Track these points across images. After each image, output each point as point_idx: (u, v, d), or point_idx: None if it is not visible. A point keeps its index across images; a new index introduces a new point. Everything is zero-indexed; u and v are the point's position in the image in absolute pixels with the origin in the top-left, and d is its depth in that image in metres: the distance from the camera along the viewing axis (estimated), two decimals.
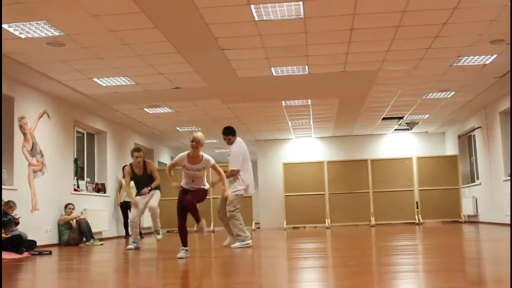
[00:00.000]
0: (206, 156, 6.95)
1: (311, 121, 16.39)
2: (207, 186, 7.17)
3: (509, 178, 13.07)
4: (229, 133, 8.78)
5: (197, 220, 7.08)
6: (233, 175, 8.56)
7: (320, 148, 19.43)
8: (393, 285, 4.13)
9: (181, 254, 6.93)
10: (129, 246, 9.22)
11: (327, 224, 16.47)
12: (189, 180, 7.01)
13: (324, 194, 16.84)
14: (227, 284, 4.58)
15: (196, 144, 6.82)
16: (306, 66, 10.23)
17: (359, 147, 19.07)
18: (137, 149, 9.34)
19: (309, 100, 13.45)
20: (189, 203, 6.89)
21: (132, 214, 9.31)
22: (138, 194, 9.26)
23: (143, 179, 9.16)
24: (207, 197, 9.01)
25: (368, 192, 16.68)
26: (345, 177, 16.87)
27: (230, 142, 8.76)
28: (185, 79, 10.88)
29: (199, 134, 6.88)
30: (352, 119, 16.20)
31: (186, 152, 6.94)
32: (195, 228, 7.21)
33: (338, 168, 17.08)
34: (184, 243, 7.04)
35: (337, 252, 7.58)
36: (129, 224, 9.54)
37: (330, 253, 7.47)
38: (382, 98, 13.32)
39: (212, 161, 6.96)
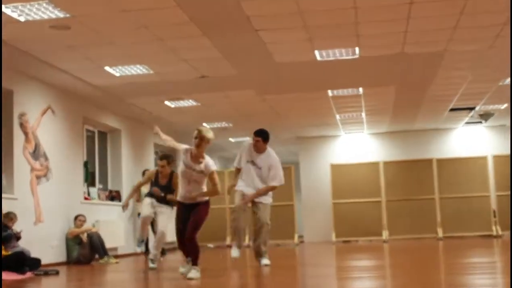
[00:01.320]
0: (209, 159, 6.94)
1: (363, 114, 16.26)
2: (206, 198, 7.08)
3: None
4: (268, 138, 8.75)
5: (195, 260, 6.96)
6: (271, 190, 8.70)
7: (375, 146, 19.26)
8: None
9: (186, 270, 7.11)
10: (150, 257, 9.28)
11: (384, 237, 16.34)
12: (185, 182, 6.94)
13: (380, 201, 16.71)
14: None
15: (200, 141, 6.76)
16: (356, 48, 10.12)
17: (421, 145, 18.85)
18: (162, 156, 9.39)
19: (360, 89, 13.36)
20: (189, 237, 6.90)
21: (144, 211, 9.26)
22: (150, 195, 9.23)
23: (163, 190, 9.18)
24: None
25: (434, 198, 16.49)
26: (405, 180, 16.70)
27: (263, 150, 8.71)
28: (212, 67, 10.89)
29: (205, 129, 6.88)
30: (413, 111, 16.01)
31: (191, 147, 6.93)
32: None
33: (396, 169, 16.92)
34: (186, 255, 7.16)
35: (397, 271, 7.51)
36: (140, 224, 9.47)
37: (388, 272, 7.40)
38: (449, 85, 13.14)
39: (213, 167, 6.90)
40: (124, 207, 9.38)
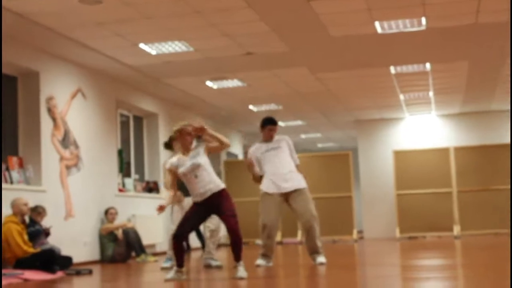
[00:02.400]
0: (194, 143, 7.28)
1: (431, 94, 16.13)
2: (223, 184, 7.26)
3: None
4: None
5: (240, 255, 7.11)
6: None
7: (444, 130, 19.08)
8: None
9: (171, 275, 7.22)
10: (164, 265, 9.29)
11: (455, 233, 16.19)
12: (193, 180, 7.07)
13: (450, 191, 16.55)
14: None
15: (180, 136, 7.24)
16: (423, 19, 10.03)
17: (498, 128, 18.58)
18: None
19: (427, 65, 13.23)
20: (235, 229, 7.03)
21: (175, 222, 9.08)
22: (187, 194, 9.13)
23: None
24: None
25: None
26: (479, 168, 16.51)
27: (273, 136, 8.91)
28: (260, 42, 10.89)
29: (177, 126, 7.30)
30: (489, 90, 15.80)
31: (175, 156, 7.37)
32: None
33: (469, 156, 16.73)
34: (178, 261, 7.22)
35: (470, 271, 7.43)
36: (170, 237, 9.28)
37: (460, 273, 7.34)
38: None
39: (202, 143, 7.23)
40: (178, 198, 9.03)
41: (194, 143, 7.27)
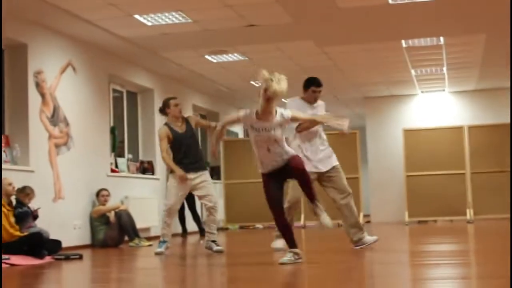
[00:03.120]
0: (281, 109, 6.86)
1: (445, 69, 16.10)
2: (291, 152, 6.98)
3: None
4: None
5: (312, 198, 6.95)
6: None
7: (458, 108, 19.06)
8: None
9: (287, 258, 6.79)
10: (158, 249, 9.02)
11: (468, 217, 16.21)
12: (264, 151, 6.78)
13: (464, 173, 16.55)
14: None
15: (270, 95, 6.61)
16: None
17: None
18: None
19: (441, 38, 13.19)
20: (300, 166, 6.81)
21: (170, 198, 9.06)
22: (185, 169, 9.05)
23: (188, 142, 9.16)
24: None
25: None
26: (494, 148, 16.48)
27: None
28: (263, 13, 10.85)
29: (275, 79, 6.68)
30: (507, 65, 15.74)
31: (252, 110, 6.81)
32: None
33: (484, 135, 16.71)
34: (292, 243, 6.88)
35: (484, 257, 7.45)
36: (164, 213, 9.17)
37: (473, 259, 7.36)
38: None
39: (290, 113, 6.88)
40: (181, 177, 8.90)
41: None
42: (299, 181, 6.97)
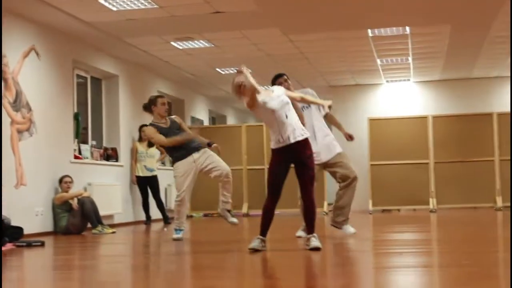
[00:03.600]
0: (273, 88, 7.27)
1: (410, 59, 16.18)
2: (306, 134, 7.08)
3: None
4: None
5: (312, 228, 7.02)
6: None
7: (423, 98, 19.19)
8: None
9: (255, 243, 6.86)
10: (175, 235, 9.09)
11: (431, 206, 16.33)
12: (282, 120, 6.90)
13: (427, 163, 16.68)
14: (290, 286, 4.62)
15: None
16: None
17: (480, 96, 18.74)
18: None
19: (407, 28, 13.25)
20: (311, 194, 7.01)
21: (181, 187, 9.20)
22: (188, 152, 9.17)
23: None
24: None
25: (493, 160, 16.41)
26: (459, 138, 16.63)
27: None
28: (229, 0, 10.82)
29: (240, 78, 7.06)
30: (471, 56, 15.89)
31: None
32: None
33: (448, 125, 16.83)
34: (264, 231, 6.96)
35: (446, 246, 7.53)
36: (176, 203, 9.33)
37: (436, 247, 7.43)
38: None
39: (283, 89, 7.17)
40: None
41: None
42: (301, 172, 6.97)
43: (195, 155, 9.05)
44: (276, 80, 8.77)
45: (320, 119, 8.90)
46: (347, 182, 8.71)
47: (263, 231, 6.93)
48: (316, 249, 6.69)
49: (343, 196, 8.75)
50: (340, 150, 8.84)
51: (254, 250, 6.74)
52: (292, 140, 6.84)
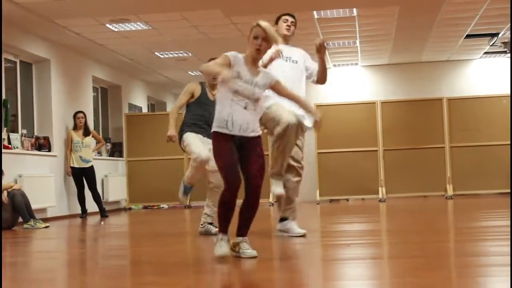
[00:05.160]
0: (265, 70, 6.29)
1: (358, 42, 16.31)
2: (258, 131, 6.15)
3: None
4: None
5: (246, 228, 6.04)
6: None
7: (371, 82, 19.36)
8: (478, 285, 4.15)
9: (221, 249, 5.82)
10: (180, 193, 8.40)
11: (380, 195, 16.52)
12: (239, 108, 5.93)
13: (376, 150, 16.83)
14: (235, 281, 4.63)
15: (262, 41, 5.97)
16: None
17: (429, 80, 18.96)
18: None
19: (354, 10, 13.34)
20: (258, 186, 5.95)
21: (195, 149, 8.21)
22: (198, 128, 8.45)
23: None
24: None
25: (443, 147, 16.64)
26: (408, 124, 16.81)
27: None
28: None
29: (267, 24, 6.07)
30: (420, 39, 16.06)
31: (242, 53, 6.10)
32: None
33: (397, 111, 17.01)
34: (225, 227, 5.90)
35: (395, 237, 7.62)
36: (193, 163, 8.26)
37: (385, 238, 7.52)
38: (466, 5, 13.17)
39: (275, 78, 6.19)
40: (171, 138, 8.33)
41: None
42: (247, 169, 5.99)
43: (206, 139, 8.14)
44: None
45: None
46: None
47: (224, 228, 5.93)
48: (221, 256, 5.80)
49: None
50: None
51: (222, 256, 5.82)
52: (236, 130, 6.00)
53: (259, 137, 6.06)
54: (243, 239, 5.87)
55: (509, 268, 4.81)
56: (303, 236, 7.46)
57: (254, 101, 5.98)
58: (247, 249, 5.80)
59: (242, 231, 5.89)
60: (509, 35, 15.99)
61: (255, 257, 5.69)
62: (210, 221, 8.34)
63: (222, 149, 5.92)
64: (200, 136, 8.32)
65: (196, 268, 5.57)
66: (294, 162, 7.95)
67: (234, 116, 5.89)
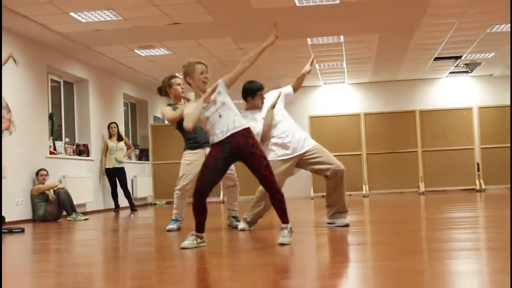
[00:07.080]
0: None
1: (344, 64, 16.29)
2: (244, 123, 5.91)
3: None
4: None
5: (285, 217, 5.85)
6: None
7: (356, 97, 19.36)
8: (447, 266, 4.14)
9: (189, 242, 5.66)
10: (169, 226, 7.84)
11: (364, 192, 16.51)
12: (217, 118, 5.80)
13: (360, 154, 16.84)
14: (244, 265, 4.62)
15: (207, 74, 6.13)
16: None
17: (405, 96, 18.97)
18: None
19: (341, 37, 13.33)
20: (278, 189, 5.85)
21: (186, 177, 7.85)
22: (194, 147, 7.92)
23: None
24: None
25: (416, 151, 16.64)
26: (387, 132, 16.82)
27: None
28: (186, 12, 10.79)
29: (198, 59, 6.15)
30: (397, 61, 16.05)
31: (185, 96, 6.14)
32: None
33: (378, 121, 17.02)
34: (201, 228, 5.70)
35: (376, 226, 7.61)
36: (176, 193, 7.93)
37: (368, 228, 7.50)
38: (435, 33, 13.16)
39: (220, 80, 6.04)
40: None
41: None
42: (251, 163, 5.83)
43: (208, 149, 7.16)
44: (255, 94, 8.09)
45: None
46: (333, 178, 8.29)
47: (200, 228, 5.71)
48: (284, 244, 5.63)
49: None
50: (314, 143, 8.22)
51: (185, 248, 5.62)
52: (221, 136, 5.81)
53: (252, 138, 5.86)
54: (284, 226, 5.76)
55: (471, 252, 4.81)
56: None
57: (222, 105, 5.88)
58: (281, 236, 5.69)
59: (282, 218, 5.79)
60: (469, 57, 15.98)
61: (286, 244, 5.56)
62: (233, 215, 7.97)
63: (205, 165, 5.72)
64: (199, 152, 7.85)
65: (210, 253, 5.56)
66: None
67: (215, 128, 5.75)
